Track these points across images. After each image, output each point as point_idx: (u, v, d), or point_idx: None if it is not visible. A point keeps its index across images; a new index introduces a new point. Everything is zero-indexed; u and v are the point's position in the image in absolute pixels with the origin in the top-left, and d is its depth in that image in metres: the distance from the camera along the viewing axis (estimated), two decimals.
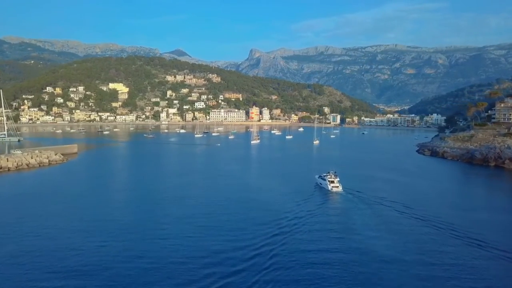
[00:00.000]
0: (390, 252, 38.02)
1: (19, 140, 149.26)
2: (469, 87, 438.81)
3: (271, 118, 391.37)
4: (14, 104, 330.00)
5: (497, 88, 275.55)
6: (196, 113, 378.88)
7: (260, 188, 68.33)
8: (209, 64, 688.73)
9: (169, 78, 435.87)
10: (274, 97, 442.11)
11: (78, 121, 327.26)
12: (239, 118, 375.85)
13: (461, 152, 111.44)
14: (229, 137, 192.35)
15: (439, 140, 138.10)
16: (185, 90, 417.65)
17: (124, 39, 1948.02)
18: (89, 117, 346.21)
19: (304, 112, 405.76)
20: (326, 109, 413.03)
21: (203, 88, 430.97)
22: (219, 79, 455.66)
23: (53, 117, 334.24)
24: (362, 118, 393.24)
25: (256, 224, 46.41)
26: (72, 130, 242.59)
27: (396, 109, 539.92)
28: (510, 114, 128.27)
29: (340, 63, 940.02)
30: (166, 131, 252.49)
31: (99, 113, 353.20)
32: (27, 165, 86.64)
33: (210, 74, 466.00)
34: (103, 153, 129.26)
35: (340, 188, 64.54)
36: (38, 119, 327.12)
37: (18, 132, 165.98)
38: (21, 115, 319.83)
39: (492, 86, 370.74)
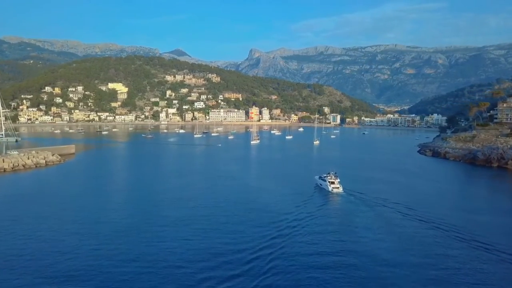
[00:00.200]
0: (394, 256, 36.86)
1: (16, 141, 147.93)
2: (469, 87, 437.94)
3: (271, 118, 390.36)
4: (13, 104, 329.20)
5: (498, 88, 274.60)
6: (196, 113, 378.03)
7: (260, 189, 67.21)
8: (209, 64, 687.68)
9: (169, 78, 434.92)
10: (274, 97, 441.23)
11: (77, 121, 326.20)
12: (239, 118, 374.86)
13: (463, 152, 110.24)
14: (229, 137, 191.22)
15: (440, 141, 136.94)
16: (184, 90, 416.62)
17: (124, 39, 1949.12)
18: (88, 117, 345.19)
19: (304, 112, 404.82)
20: (326, 109, 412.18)
21: (203, 88, 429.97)
22: (218, 79, 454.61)
23: (52, 117, 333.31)
24: (362, 118, 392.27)
25: (255, 226, 45.29)
26: (71, 130, 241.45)
27: (396, 109, 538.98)
28: None
29: (340, 63, 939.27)
30: (165, 131, 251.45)
31: (98, 113, 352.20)
32: (23, 166, 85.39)
33: (209, 74, 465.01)
34: (101, 153, 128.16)
35: (340, 189, 63.38)
36: (36, 119, 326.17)
37: (16, 132, 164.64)
38: (20, 115, 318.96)
39: (492, 86, 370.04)
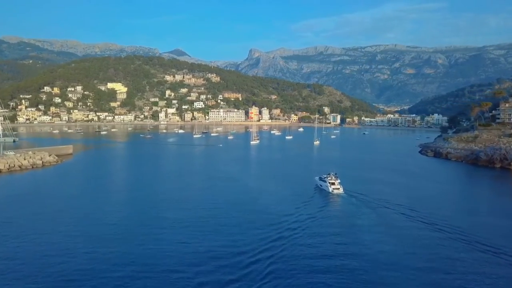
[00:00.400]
0: (397, 259, 35.77)
1: (14, 141, 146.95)
2: (469, 87, 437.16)
3: (271, 118, 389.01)
4: (12, 104, 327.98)
5: (498, 88, 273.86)
6: (195, 113, 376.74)
7: (259, 190, 66.10)
8: (209, 64, 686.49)
9: (168, 78, 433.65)
10: (273, 97, 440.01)
11: (76, 121, 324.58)
12: (239, 118, 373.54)
13: (465, 153, 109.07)
14: (228, 138, 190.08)
15: (442, 141, 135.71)
16: (184, 90, 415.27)
17: (123, 39, 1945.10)
18: (87, 117, 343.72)
19: (304, 112, 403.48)
20: (326, 109, 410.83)
21: (202, 88, 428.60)
22: (218, 79, 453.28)
23: (50, 117, 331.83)
24: (362, 118, 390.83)
25: (255, 228, 44.20)
26: (69, 130, 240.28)
27: (396, 109, 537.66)
28: None
29: (339, 63, 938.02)
30: (164, 131, 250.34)
31: (97, 113, 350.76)
32: (19, 166, 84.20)
33: (209, 74, 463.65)
34: (99, 154, 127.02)
35: (341, 190, 62.29)
36: (35, 119, 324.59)
37: (14, 133, 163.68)
38: (18, 115, 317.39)
39: (492, 86, 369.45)
